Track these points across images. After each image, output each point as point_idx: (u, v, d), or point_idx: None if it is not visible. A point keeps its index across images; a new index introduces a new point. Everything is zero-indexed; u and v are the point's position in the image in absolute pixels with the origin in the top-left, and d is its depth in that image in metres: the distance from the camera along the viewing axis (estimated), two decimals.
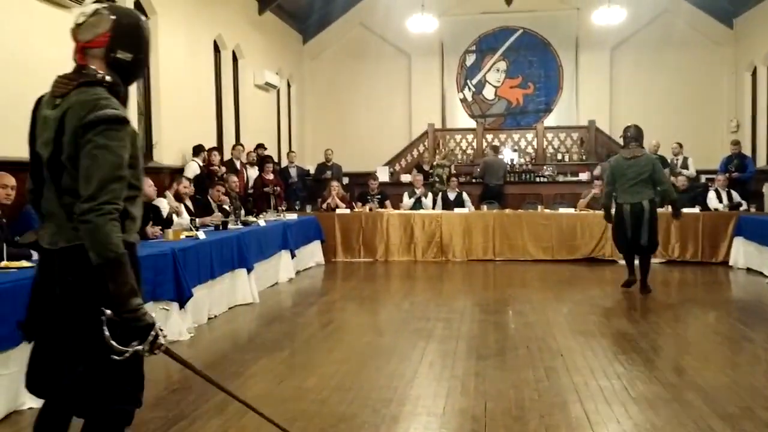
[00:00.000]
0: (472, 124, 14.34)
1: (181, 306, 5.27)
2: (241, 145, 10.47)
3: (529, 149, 13.92)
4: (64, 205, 2.06)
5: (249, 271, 6.82)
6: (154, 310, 4.36)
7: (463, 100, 14.58)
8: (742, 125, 13.06)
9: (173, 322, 5.20)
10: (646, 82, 13.80)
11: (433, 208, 10.86)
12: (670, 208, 7.52)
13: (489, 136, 14.04)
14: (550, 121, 14.15)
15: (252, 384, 4.16)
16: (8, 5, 6.08)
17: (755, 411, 3.57)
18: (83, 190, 1.96)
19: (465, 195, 11.07)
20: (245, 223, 7.91)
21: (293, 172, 11.81)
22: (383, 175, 12.74)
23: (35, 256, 3.26)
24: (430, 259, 10.06)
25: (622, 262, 7.65)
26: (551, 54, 14.20)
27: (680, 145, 11.45)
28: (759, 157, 12.19)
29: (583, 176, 12.59)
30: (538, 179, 13.03)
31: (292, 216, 9.32)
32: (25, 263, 4.04)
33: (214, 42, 10.56)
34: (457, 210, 10.48)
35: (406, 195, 11.12)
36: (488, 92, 14.54)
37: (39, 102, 2.19)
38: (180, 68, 9.21)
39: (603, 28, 12.73)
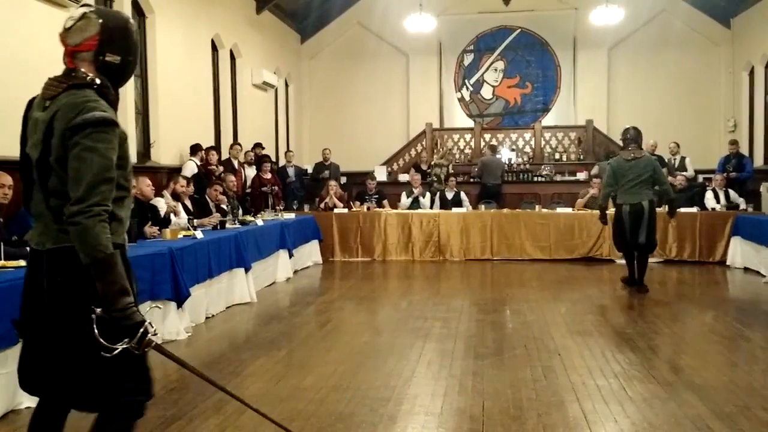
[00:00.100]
0: (469, 123, 14.34)
1: (179, 305, 5.27)
2: (239, 145, 10.47)
3: (527, 149, 13.92)
4: (50, 207, 2.08)
5: (247, 270, 6.83)
6: (148, 308, 4.34)
7: (461, 100, 14.58)
8: (739, 125, 13.08)
9: (171, 322, 5.21)
10: (643, 82, 13.81)
11: (431, 207, 10.86)
12: (666, 207, 7.58)
13: (487, 136, 14.04)
14: (547, 120, 14.15)
15: (249, 383, 4.16)
16: (8, 5, 6.07)
17: (752, 410, 3.58)
18: (72, 193, 1.97)
19: (463, 194, 11.07)
20: (243, 223, 7.91)
21: (291, 171, 11.79)
22: (381, 175, 12.76)
23: None
24: (427, 258, 10.07)
25: (620, 261, 7.68)
26: (549, 54, 14.21)
27: (678, 145, 11.46)
28: (756, 156, 12.20)
29: (581, 176, 12.62)
30: (535, 179, 13.06)
31: (290, 215, 9.32)
32: (22, 262, 4.02)
33: (212, 41, 10.55)
34: (454, 209, 10.48)
35: (403, 194, 11.12)
36: (486, 92, 14.54)
37: (30, 104, 2.20)
38: (177, 68, 9.20)
39: (601, 27, 12.75)
